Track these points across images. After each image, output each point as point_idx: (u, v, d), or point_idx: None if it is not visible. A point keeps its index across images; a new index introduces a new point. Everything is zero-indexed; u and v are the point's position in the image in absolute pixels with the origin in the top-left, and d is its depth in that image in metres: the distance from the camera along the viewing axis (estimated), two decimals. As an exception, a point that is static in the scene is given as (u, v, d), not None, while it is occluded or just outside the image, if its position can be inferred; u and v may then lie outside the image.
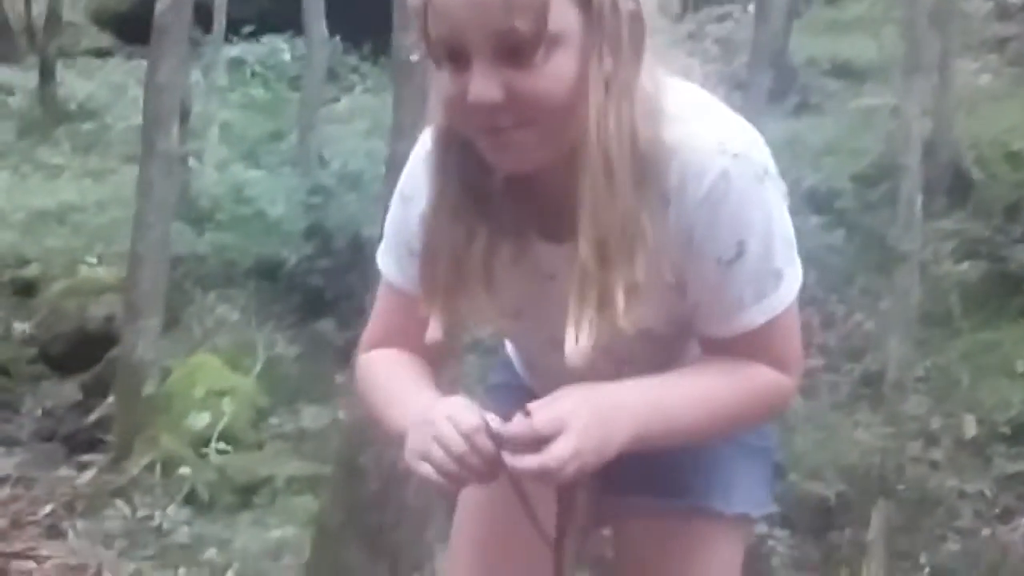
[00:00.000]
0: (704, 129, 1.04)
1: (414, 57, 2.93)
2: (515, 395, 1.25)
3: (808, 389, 4.91)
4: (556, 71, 0.97)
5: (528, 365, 1.37)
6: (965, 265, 5.33)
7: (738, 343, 1.11)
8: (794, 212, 1.13)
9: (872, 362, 5.03)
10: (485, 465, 1.01)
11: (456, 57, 0.98)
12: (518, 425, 1.00)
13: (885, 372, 4.56)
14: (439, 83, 1.02)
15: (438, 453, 1.01)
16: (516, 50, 0.95)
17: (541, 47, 0.95)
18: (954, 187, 5.65)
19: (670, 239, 1.05)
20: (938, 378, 4.93)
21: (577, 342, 1.03)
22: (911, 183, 4.37)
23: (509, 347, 1.43)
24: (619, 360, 1.12)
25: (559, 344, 1.08)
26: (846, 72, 7.42)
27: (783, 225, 1.09)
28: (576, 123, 0.99)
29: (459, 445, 1.00)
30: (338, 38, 8.42)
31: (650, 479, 1.25)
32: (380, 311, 1.28)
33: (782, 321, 1.11)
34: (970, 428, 4.65)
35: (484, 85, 0.96)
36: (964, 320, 5.14)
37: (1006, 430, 4.60)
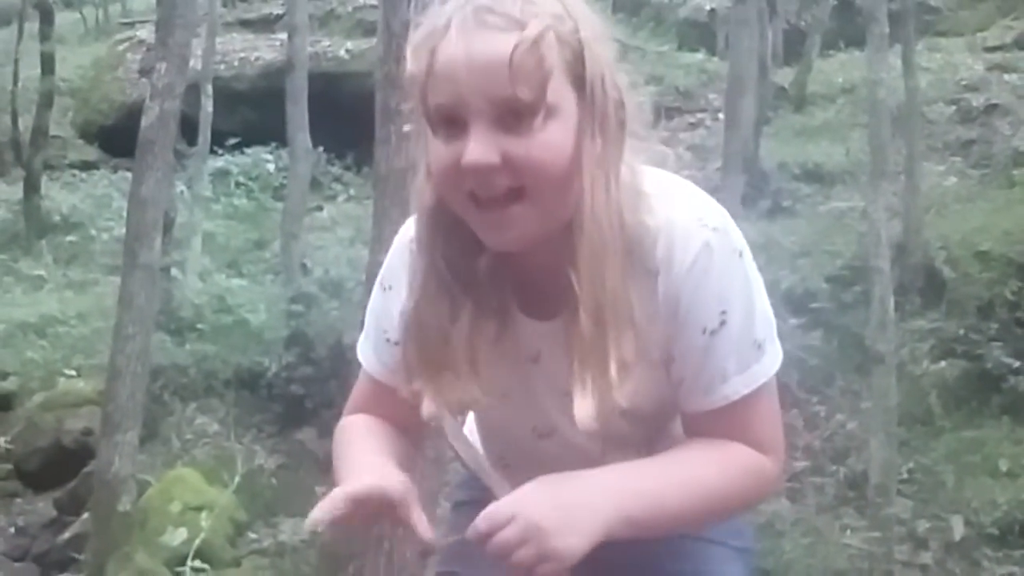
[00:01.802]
0: (683, 205, 1.09)
1: (407, 128, 2.95)
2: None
3: (794, 492, 4.88)
4: (551, 139, 1.01)
5: (507, 462, 1.32)
6: (943, 364, 5.36)
7: (720, 419, 1.12)
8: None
9: (856, 463, 5.01)
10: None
11: (453, 123, 1.01)
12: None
13: (869, 473, 4.54)
14: (432, 153, 1.04)
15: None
16: (515, 116, 0.99)
17: (539, 115, 1.00)
18: (927, 287, 5.73)
19: (658, 312, 1.08)
20: (923, 479, 4.91)
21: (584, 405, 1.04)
22: (883, 285, 4.43)
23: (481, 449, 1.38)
24: (605, 440, 1.13)
25: (544, 433, 1.08)
26: (816, 176, 7.60)
27: (762, 299, 1.12)
28: (567, 200, 1.03)
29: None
30: (321, 149, 8.58)
31: None
32: (357, 395, 1.30)
33: (762, 400, 1.13)
34: (958, 530, 4.61)
35: (481, 149, 0.99)
36: (945, 419, 5.14)
37: (993, 531, 4.56)
